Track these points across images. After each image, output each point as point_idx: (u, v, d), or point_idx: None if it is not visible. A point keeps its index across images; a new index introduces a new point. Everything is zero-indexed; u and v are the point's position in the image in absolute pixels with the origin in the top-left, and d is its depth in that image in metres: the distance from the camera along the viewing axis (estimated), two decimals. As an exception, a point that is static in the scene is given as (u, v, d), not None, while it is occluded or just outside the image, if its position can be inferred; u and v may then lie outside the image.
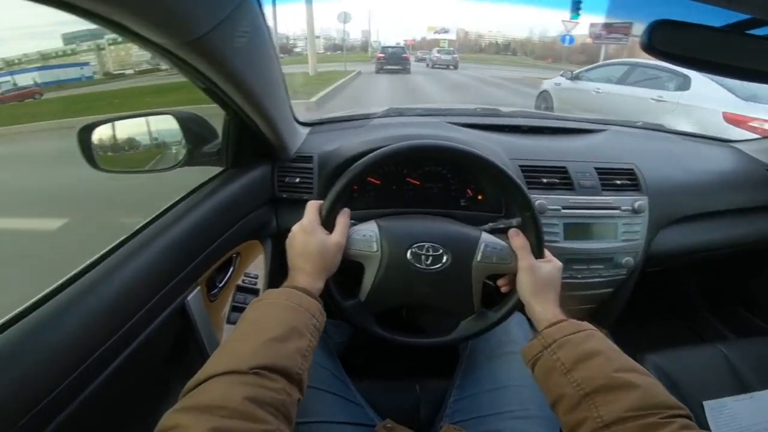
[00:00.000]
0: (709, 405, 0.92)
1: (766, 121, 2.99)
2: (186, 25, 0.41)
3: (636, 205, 0.99)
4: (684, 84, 3.70)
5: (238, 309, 0.84)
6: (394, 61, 15.93)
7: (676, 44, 0.47)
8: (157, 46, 0.43)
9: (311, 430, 0.62)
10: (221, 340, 0.78)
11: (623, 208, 0.99)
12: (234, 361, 0.44)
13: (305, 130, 1.04)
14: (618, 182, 1.01)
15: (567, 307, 1.11)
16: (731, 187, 1.15)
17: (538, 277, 0.63)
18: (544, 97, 5.93)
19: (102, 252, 0.58)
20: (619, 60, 5.11)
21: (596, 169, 1.01)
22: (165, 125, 0.77)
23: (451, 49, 22.72)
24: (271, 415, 0.41)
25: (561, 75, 5.63)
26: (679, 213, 1.08)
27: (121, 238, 0.61)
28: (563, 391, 0.50)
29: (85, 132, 0.70)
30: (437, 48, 23.07)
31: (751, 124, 3.06)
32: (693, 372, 0.98)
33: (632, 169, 1.04)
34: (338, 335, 0.91)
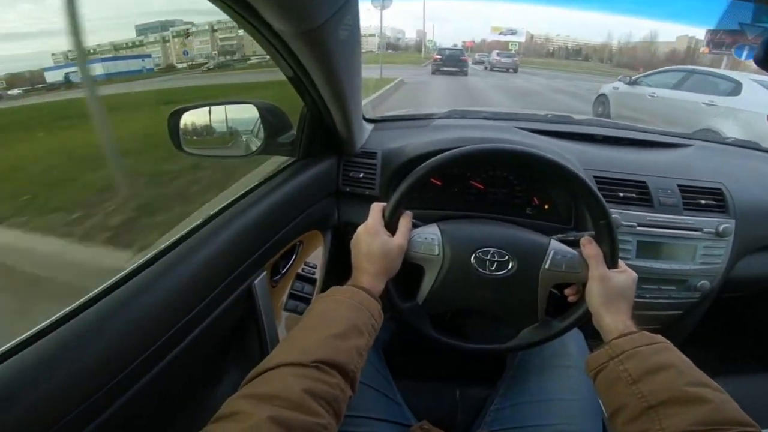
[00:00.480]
0: None
1: None
2: (308, 14, 0.43)
3: (721, 228, 0.93)
4: (736, 90, 3.95)
5: (294, 297, 0.86)
6: (452, 63, 15.55)
7: None
8: (271, 33, 0.45)
9: (348, 423, 0.63)
10: (278, 326, 0.81)
11: (706, 230, 0.93)
12: (299, 353, 0.46)
13: (370, 127, 1.06)
14: (702, 202, 0.95)
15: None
16: None
17: (610, 287, 0.61)
18: (601, 101, 6.13)
19: (179, 235, 0.62)
20: (678, 66, 5.33)
21: (679, 186, 0.95)
22: (245, 114, 0.81)
23: (512, 51, 22.02)
24: (324, 409, 0.43)
25: (619, 79, 5.87)
26: None
27: (198, 222, 0.65)
28: (625, 402, 0.48)
29: (175, 116, 0.76)
30: (497, 50, 22.38)
31: None
32: (757, 400, 0.89)
33: (720, 189, 0.97)
34: (383, 332, 0.92)
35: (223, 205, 0.69)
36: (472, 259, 0.65)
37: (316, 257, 0.92)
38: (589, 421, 0.65)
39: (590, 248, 0.64)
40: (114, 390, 0.45)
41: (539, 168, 0.69)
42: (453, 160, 0.65)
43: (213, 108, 0.81)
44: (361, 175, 0.93)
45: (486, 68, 19.72)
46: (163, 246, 0.59)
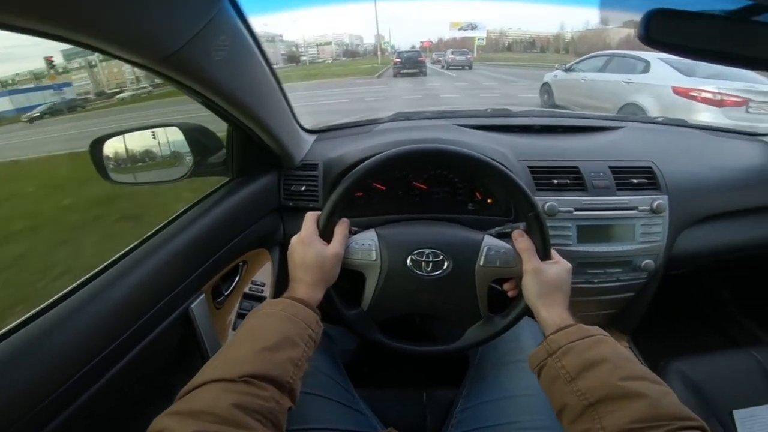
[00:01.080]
0: (739, 414, 0.88)
1: (700, 90, 3.97)
2: (157, 43, 0.43)
3: (655, 204, 0.96)
4: (646, 68, 4.62)
5: (243, 316, 0.85)
6: (411, 65, 16.47)
7: (673, 34, 0.46)
8: (136, 63, 0.45)
9: None
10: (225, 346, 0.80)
11: (641, 208, 0.96)
12: (226, 368, 0.46)
13: (311, 138, 1.06)
14: (635, 181, 0.98)
15: (586, 312, 1.11)
16: (760, 183, 1.10)
17: (544, 280, 0.62)
18: (545, 89, 6.82)
19: (108, 261, 0.61)
20: (602, 52, 6.02)
21: (611, 168, 0.99)
22: (173, 137, 0.80)
23: (465, 50, 22.70)
24: (259, 422, 0.43)
25: (557, 68, 6.62)
26: (703, 212, 1.04)
27: (127, 248, 0.64)
28: (566, 400, 0.49)
29: (97, 145, 0.74)
30: (452, 49, 23.15)
31: (691, 93, 4.03)
32: (722, 379, 0.94)
33: (650, 167, 1.01)
34: (345, 343, 0.92)
35: (151, 231, 0.68)
36: (408, 262, 0.66)
37: (264, 275, 0.91)
38: (549, 416, 0.65)
39: (521, 241, 0.65)
40: (46, 412, 0.45)
41: (465, 165, 0.71)
42: (379, 165, 0.66)
43: (138, 133, 0.79)
44: (303, 188, 0.93)
45: (443, 67, 20.67)
46: (91, 273, 0.59)
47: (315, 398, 0.67)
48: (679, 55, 0.51)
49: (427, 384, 0.88)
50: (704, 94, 3.92)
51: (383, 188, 0.94)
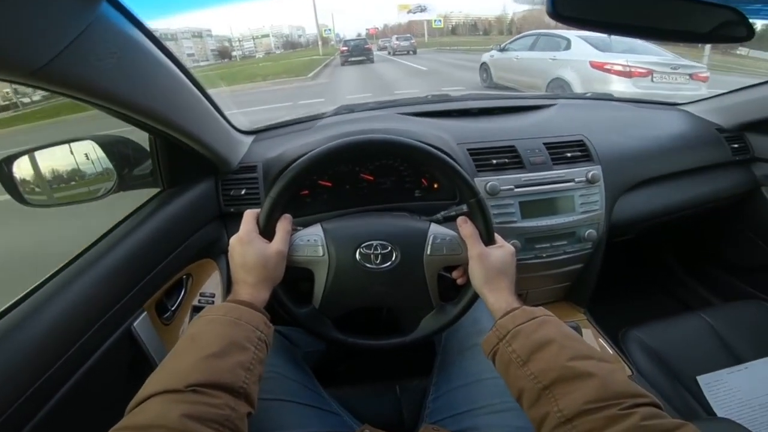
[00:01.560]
0: (703, 380, 0.94)
1: (613, 64, 4.66)
2: (21, 57, 0.40)
3: (590, 175, 1.01)
4: (568, 45, 5.30)
5: (195, 330, 0.83)
6: (358, 52, 16.92)
7: (581, 8, 0.47)
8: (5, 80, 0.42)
9: None
10: None
11: (577, 179, 1.01)
12: (170, 379, 0.45)
13: (248, 139, 1.03)
14: (569, 155, 1.03)
15: (541, 287, 1.16)
16: (684, 148, 1.18)
17: (488, 265, 0.63)
18: (484, 68, 7.59)
19: (31, 287, 0.57)
20: (531, 32, 6.64)
21: (545, 144, 1.03)
22: (91, 151, 0.75)
23: (409, 35, 23.51)
24: (215, 431, 0.42)
25: (492, 48, 7.35)
26: (635, 178, 1.10)
27: (52, 272, 0.60)
28: (522, 385, 0.50)
29: (3, 167, 0.68)
30: (396, 35, 23.64)
31: (605, 67, 4.70)
32: (681, 345, 1.00)
33: (581, 140, 1.06)
34: (312, 345, 0.91)
35: (79, 251, 0.65)
36: (357, 256, 0.66)
37: (213, 285, 0.88)
38: None
39: (465, 228, 0.66)
40: None
41: (404, 153, 0.71)
42: (315, 160, 0.65)
43: (51, 150, 0.74)
44: (243, 192, 0.90)
45: (389, 53, 21.33)
46: (15, 299, 0.55)
47: (282, 404, 0.66)
48: (589, 30, 0.53)
49: (399, 376, 0.88)
50: (616, 67, 4.62)
51: (329, 185, 0.93)
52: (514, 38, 6.98)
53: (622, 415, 0.41)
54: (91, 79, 0.49)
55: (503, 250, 0.66)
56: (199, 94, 0.75)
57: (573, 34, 5.33)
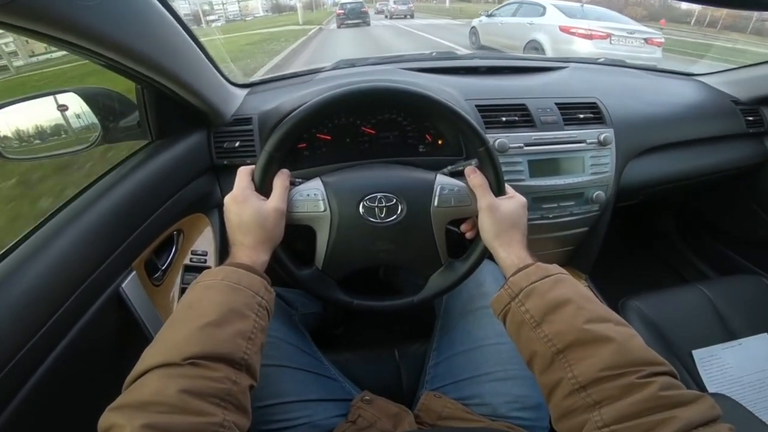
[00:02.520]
0: (698, 354, 0.95)
1: (577, 28, 5.53)
2: None
3: (602, 137, 0.99)
4: (543, 12, 6.19)
5: (187, 291, 0.80)
6: (354, 15, 17.17)
7: None
8: None
9: (282, 411, 0.61)
10: None
11: (589, 141, 0.99)
12: (167, 352, 0.42)
13: (242, 92, 0.99)
14: (581, 116, 1.01)
15: (545, 251, 1.14)
16: (698, 117, 1.17)
17: (499, 217, 0.60)
18: (473, 32, 8.60)
19: (8, 245, 0.53)
20: (514, 0, 7.40)
21: (557, 104, 1.01)
22: (73, 103, 0.71)
23: None
24: (216, 406, 0.40)
25: (481, 14, 8.47)
26: (647, 144, 1.09)
27: (31, 227, 0.56)
28: (535, 348, 0.48)
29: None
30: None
31: (571, 30, 5.56)
32: (678, 318, 1.00)
33: (595, 103, 1.04)
34: (309, 306, 0.89)
35: (57, 206, 0.60)
36: (360, 209, 0.63)
37: (205, 243, 0.85)
38: (521, 365, 0.58)
39: (474, 177, 0.63)
40: None
41: (409, 102, 0.67)
42: (316, 108, 0.61)
43: (30, 102, 0.69)
44: (237, 144, 0.86)
45: (387, 16, 21.38)
46: None
47: (280, 370, 0.64)
48: None
49: (398, 340, 0.87)
50: (580, 31, 5.51)
51: (328, 138, 0.90)
52: (500, 5, 7.95)
53: (639, 384, 0.40)
54: (74, 16, 0.44)
55: (515, 200, 0.62)
56: (192, 41, 0.70)
57: (548, 2, 6.25)
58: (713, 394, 0.81)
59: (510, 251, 0.58)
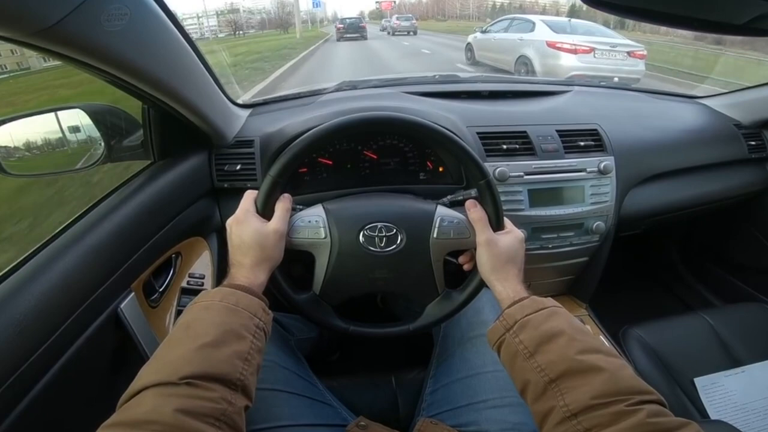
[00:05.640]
0: (700, 382, 0.95)
1: (562, 43, 5.92)
2: (29, 15, 0.39)
3: (602, 165, 1.01)
4: (533, 28, 6.56)
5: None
6: (353, 30, 19.17)
7: None
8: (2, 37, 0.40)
9: None
10: None
11: (589, 169, 1.01)
12: (164, 371, 0.44)
13: (245, 113, 1.01)
14: (582, 144, 1.03)
15: (544, 280, 1.16)
16: (700, 143, 1.18)
17: (497, 252, 0.63)
18: (469, 48, 8.97)
19: (11, 265, 0.55)
20: (507, 16, 8.08)
21: (558, 131, 1.03)
22: (79, 121, 0.74)
23: (410, 15, 25.02)
24: (211, 426, 0.41)
25: (475, 30, 8.84)
26: (648, 171, 1.11)
27: (34, 248, 0.58)
28: (528, 377, 0.50)
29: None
30: (396, 15, 24.23)
31: (557, 45, 5.93)
32: (680, 346, 1.01)
33: (596, 130, 1.06)
34: (305, 332, 0.90)
35: (61, 227, 0.63)
36: (361, 238, 0.65)
37: (203, 266, 0.87)
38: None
39: (474, 211, 0.66)
40: None
41: (412, 132, 0.69)
42: (321, 136, 0.63)
43: (35, 119, 0.71)
44: (239, 167, 0.89)
45: (389, 33, 22.30)
46: None
47: (275, 394, 0.65)
48: (621, 16, 0.52)
49: (395, 367, 0.88)
50: (565, 46, 5.92)
51: (329, 163, 0.92)
52: (493, 21, 8.50)
53: (628, 411, 0.42)
54: (101, 43, 0.48)
55: (512, 236, 0.65)
56: (201, 63, 0.73)
57: (538, 18, 6.74)
58: (714, 421, 0.82)
59: (506, 285, 0.61)
